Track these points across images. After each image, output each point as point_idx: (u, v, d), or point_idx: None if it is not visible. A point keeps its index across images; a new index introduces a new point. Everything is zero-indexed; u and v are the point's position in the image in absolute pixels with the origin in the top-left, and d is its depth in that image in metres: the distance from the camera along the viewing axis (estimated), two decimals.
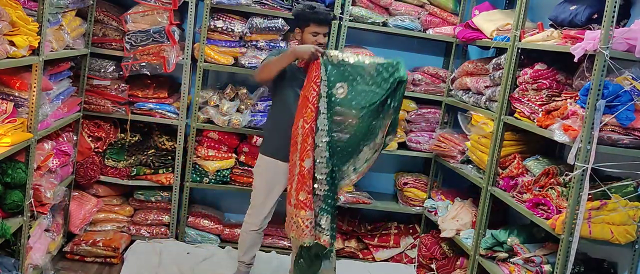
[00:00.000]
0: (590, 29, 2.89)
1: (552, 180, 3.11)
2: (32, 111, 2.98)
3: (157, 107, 4.12)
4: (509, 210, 3.87)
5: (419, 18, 4.27)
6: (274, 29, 4.02)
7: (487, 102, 3.74)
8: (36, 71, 2.94)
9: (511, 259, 3.27)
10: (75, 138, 3.86)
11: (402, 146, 4.42)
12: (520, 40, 3.45)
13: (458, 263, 4.02)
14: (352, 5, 4.13)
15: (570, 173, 2.81)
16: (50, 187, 3.30)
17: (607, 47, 2.63)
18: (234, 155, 4.25)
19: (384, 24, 4.23)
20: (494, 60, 3.73)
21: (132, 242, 4.12)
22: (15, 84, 2.92)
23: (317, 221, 3.20)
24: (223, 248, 4.23)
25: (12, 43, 2.63)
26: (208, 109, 4.14)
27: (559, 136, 2.83)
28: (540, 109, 3.14)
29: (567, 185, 2.95)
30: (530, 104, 3.25)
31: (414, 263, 4.41)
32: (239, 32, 4.03)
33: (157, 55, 3.93)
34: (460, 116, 4.14)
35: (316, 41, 3.35)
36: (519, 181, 3.34)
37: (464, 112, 4.11)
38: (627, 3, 3.01)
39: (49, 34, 3.09)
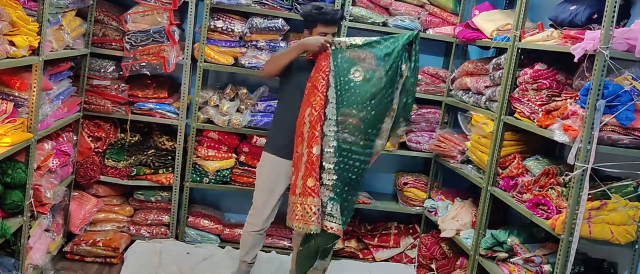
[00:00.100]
0: (590, 29, 2.89)
1: (552, 180, 3.11)
2: (32, 111, 2.98)
3: (157, 107, 4.12)
4: (509, 210, 3.87)
5: (419, 18, 4.27)
6: (274, 29, 4.02)
7: (487, 102, 3.73)
8: (36, 71, 2.94)
9: (511, 259, 3.27)
10: (75, 138, 3.86)
11: (402, 146, 4.41)
12: (520, 40, 3.45)
13: (458, 263, 4.02)
14: (352, 5, 4.13)
15: (570, 173, 2.81)
16: (50, 187, 3.30)
17: (607, 47, 2.63)
18: (234, 155, 4.25)
19: (384, 24, 4.23)
20: (494, 61, 3.73)
21: (132, 242, 4.12)
22: (15, 84, 2.92)
23: (327, 210, 3.17)
24: (223, 248, 4.22)
25: (12, 43, 2.63)
26: (208, 109, 4.14)
27: (559, 136, 2.83)
28: (540, 109, 3.14)
29: (567, 185, 2.95)
30: (530, 104, 3.25)
31: (414, 263, 4.41)
32: (239, 32, 4.03)
33: (157, 55, 3.93)
34: (460, 116, 4.14)
35: None
36: (519, 181, 3.34)
37: (464, 112, 4.11)
38: (627, 3, 3.01)
39: (49, 34, 3.08)
